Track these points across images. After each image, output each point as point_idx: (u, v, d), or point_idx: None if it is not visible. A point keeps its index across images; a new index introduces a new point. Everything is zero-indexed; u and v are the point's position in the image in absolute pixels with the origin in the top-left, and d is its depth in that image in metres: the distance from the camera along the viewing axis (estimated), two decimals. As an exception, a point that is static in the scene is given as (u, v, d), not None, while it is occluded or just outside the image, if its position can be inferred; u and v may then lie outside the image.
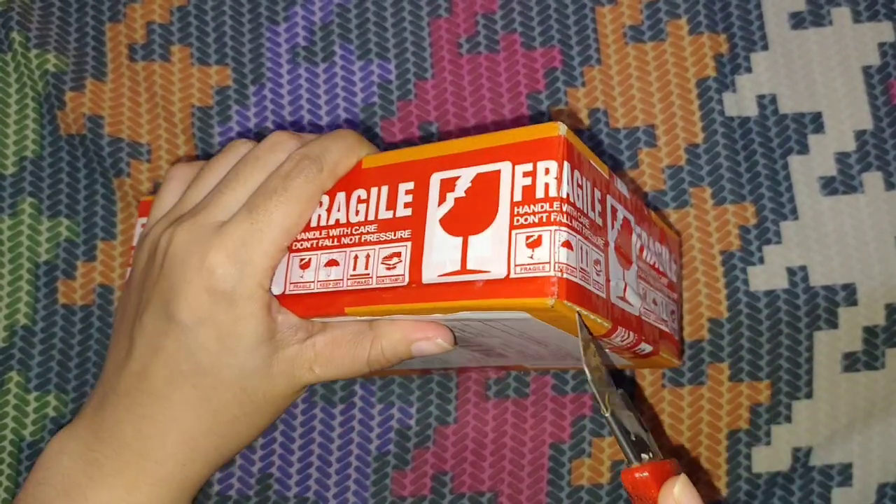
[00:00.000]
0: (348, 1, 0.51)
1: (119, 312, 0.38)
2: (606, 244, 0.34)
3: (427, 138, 0.49)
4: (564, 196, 0.30)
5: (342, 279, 0.34)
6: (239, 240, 0.33)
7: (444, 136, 0.49)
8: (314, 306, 0.34)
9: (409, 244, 0.33)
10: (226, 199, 0.34)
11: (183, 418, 0.34)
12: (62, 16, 0.51)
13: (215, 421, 0.34)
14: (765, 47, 0.50)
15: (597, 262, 0.33)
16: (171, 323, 0.33)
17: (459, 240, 0.31)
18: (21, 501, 0.35)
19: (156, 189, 0.49)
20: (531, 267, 0.30)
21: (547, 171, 0.30)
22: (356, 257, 0.34)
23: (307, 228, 0.35)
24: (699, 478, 0.47)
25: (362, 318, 0.34)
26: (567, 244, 0.30)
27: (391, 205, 0.34)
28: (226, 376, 0.33)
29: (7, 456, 0.47)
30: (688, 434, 0.47)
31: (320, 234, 0.35)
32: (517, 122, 0.49)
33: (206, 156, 0.49)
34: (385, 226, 0.33)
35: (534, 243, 0.30)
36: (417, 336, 0.33)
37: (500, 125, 0.49)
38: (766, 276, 0.48)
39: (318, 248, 0.35)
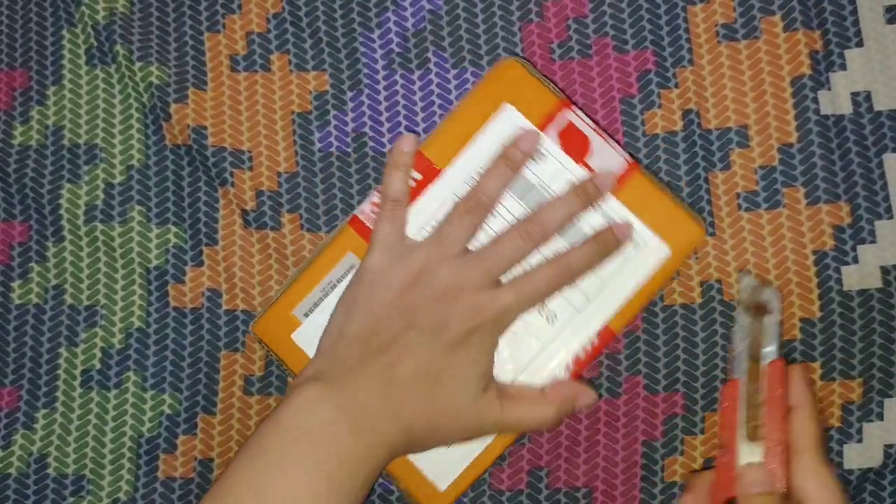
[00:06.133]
0: (439, 7, 0.51)
1: (363, 293, 0.45)
2: None
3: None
4: None
5: None
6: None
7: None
8: None
9: None
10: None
11: (412, 405, 0.42)
12: (161, 26, 0.53)
13: (430, 415, 0.43)
14: (859, 44, 0.49)
15: None
16: (437, 347, 0.43)
17: None
18: (276, 430, 0.41)
19: (258, 196, 0.51)
20: None
21: None
22: None
23: None
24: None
25: None
26: None
27: None
28: (450, 389, 0.43)
29: (127, 451, 0.50)
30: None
31: None
32: (609, 128, 0.50)
33: (307, 161, 0.51)
34: None
35: None
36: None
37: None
38: (860, 276, 0.48)
39: None
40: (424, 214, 0.47)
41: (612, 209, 0.46)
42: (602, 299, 0.46)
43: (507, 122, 0.47)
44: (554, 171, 0.47)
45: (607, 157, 0.47)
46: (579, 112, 0.47)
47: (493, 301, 0.44)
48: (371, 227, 0.47)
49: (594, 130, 0.47)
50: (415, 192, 0.47)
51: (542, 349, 0.46)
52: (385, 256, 0.45)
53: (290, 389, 0.44)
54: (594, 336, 0.46)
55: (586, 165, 0.47)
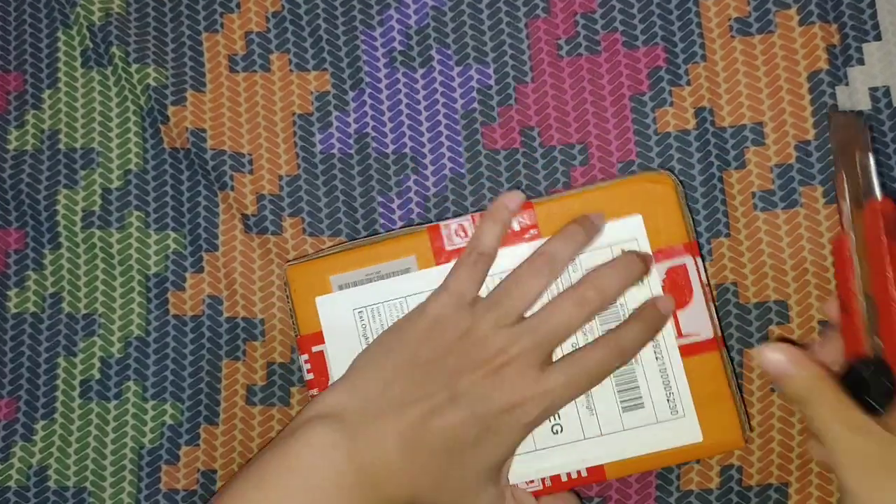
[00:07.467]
0: (443, 3, 0.50)
1: (414, 335, 0.42)
2: None
3: (528, 143, 0.49)
4: None
5: None
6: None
7: (545, 141, 0.49)
8: None
9: None
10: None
11: (424, 475, 0.41)
12: (158, 26, 0.51)
13: (437, 491, 0.41)
14: (877, 37, 0.48)
15: None
16: (470, 419, 0.40)
17: None
18: (281, 471, 0.40)
19: (258, 200, 0.50)
20: None
21: None
22: None
23: None
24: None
25: None
26: None
27: None
28: (464, 471, 0.41)
29: (129, 463, 0.49)
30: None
31: None
32: (619, 126, 0.48)
33: (308, 164, 0.50)
34: None
35: None
36: None
37: (602, 131, 0.48)
38: (880, 277, 0.46)
39: None
40: (496, 266, 0.44)
41: (672, 367, 0.44)
42: (612, 441, 0.44)
43: (627, 229, 0.44)
44: (642, 297, 0.44)
45: (700, 320, 0.44)
46: (699, 263, 0.45)
47: (539, 382, 0.41)
48: (446, 245, 0.45)
49: (702, 289, 0.44)
50: (506, 239, 0.44)
51: (532, 451, 0.44)
52: (450, 306, 0.42)
53: (305, 414, 0.42)
54: (584, 468, 0.44)
55: (675, 317, 0.44)
